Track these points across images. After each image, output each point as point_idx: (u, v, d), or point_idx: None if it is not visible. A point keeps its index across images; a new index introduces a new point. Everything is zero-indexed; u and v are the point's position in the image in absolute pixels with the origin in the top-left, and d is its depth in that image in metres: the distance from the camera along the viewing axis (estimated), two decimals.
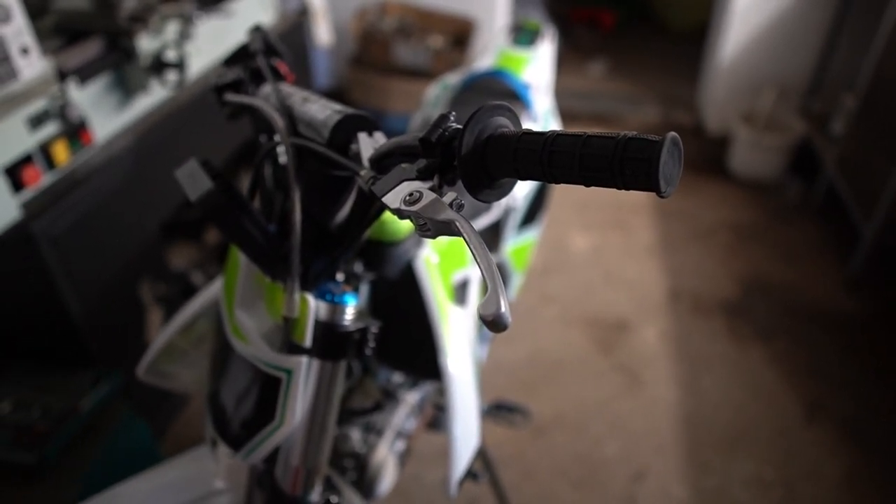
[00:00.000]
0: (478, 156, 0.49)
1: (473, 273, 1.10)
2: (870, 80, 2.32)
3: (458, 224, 0.46)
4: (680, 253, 2.55)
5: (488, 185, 0.51)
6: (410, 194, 0.49)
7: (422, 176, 0.51)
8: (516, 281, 1.49)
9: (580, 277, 2.42)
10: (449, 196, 0.48)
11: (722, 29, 3.08)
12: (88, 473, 1.28)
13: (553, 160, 0.46)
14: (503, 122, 0.51)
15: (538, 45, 1.65)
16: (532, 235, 1.53)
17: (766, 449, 1.78)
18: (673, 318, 2.23)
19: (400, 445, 1.14)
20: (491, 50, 1.67)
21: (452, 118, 0.51)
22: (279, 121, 0.65)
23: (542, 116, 1.50)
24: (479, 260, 0.44)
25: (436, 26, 3.11)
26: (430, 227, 0.47)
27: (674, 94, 3.74)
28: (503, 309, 0.41)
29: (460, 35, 3.08)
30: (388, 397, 1.15)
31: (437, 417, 1.27)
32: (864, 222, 2.26)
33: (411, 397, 1.18)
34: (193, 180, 0.65)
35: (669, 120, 3.50)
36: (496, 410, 1.41)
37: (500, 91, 1.44)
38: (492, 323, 0.41)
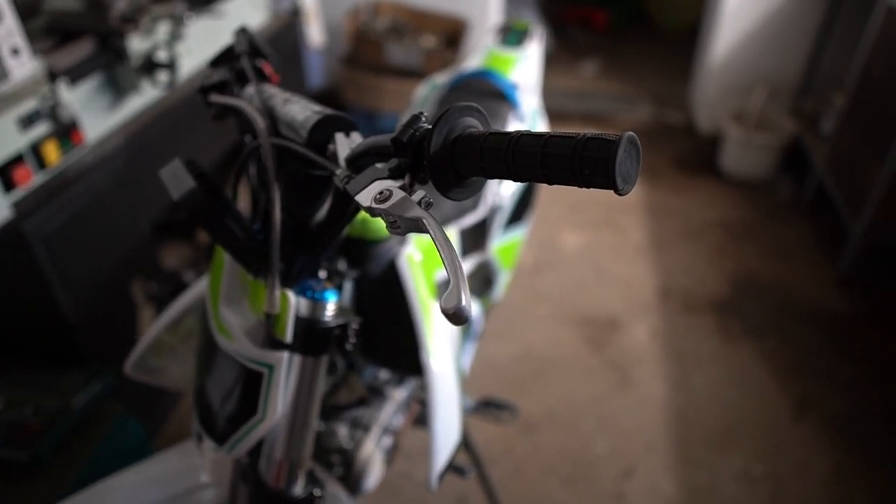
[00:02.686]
0: (446, 155, 0.51)
1: None
2: (858, 80, 2.34)
3: (424, 221, 0.47)
4: (671, 251, 2.57)
5: (457, 183, 0.52)
6: (381, 192, 0.50)
7: (393, 175, 0.52)
8: (504, 279, 1.51)
9: (571, 275, 2.43)
10: (418, 194, 0.50)
11: (713, 29, 3.10)
12: (81, 472, 1.28)
13: (517, 159, 0.47)
14: (472, 122, 0.52)
15: (526, 46, 1.66)
16: (519, 233, 1.55)
17: (754, 445, 1.80)
18: (663, 316, 2.24)
19: (387, 441, 1.15)
20: (479, 50, 1.68)
21: (424, 119, 0.53)
22: (260, 121, 0.67)
23: (529, 116, 1.51)
24: (442, 255, 0.45)
25: (428, 26, 3.12)
26: (400, 224, 0.49)
27: (666, 94, 3.76)
28: (464, 302, 0.42)
29: (452, 35, 3.10)
30: (375, 394, 1.16)
31: (424, 414, 1.29)
32: (852, 221, 2.28)
33: (398, 394, 1.19)
34: (177, 180, 0.66)
35: (661, 119, 3.52)
36: (484, 408, 1.43)
37: (488, 91, 1.46)
38: (453, 316, 0.42)
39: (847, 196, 2.36)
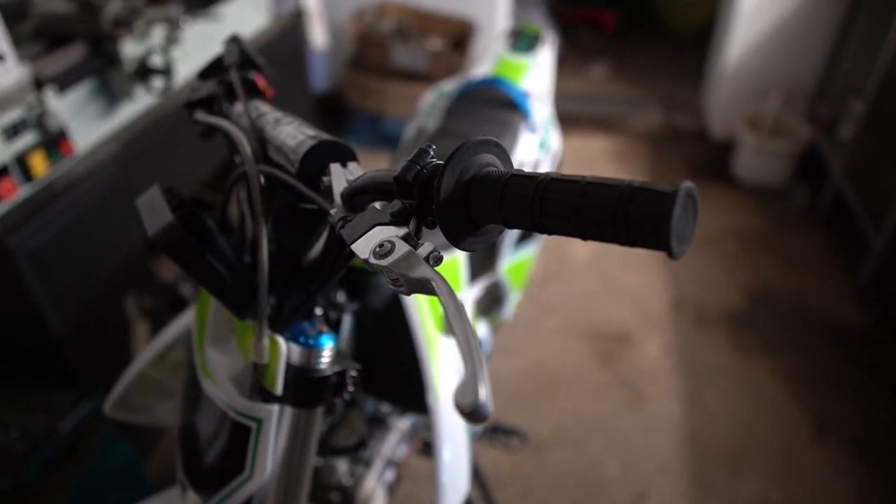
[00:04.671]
0: (459, 200, 0.43)
1: (467, 298, 1.04)
2: (879, 85, 2.25)
3: (434, 284, 0.39)
4: (683, 262, 2.49)
5: (471, 232, 0.45)
6: (381, 245, 0.43)
7: (396, 220, 0.45)
8: (514, 298, 1.44)
9: (581, 287, 2.36)
10: (425, 248, 0.42)
11: (727, 31, 3.02)
12: (70, 496, 1.23)
13: (545, 209, 0.40)
14: (489, 159, 0.45)
15: (538, 51, 1.59)
16: (531, 251, 1.48)
17: (771, 467, 1.72)
18: (676, 329, 2.17)
19: (390, 475, 1.08)
20: (489, 56, 1.61)
21: (432, 153, 0.45)
22: (246, 147, 0.60)
23: (541, 126, 1.44)
24: (455, 330, 0.37)
25: (434, 28, 3.05)
26: (403, 283, 0.42)
27: (677, 98, 3.68)
28: (482, 398, 0.33)
29: (459, 37, 3.02)
30: (377, 424, 1.09)
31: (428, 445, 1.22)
32: (873, 232, 2.19)
33: (402, 424, 1.12)
34: (153, 211, 0.59)
35: (672, 124, 3.44)
36: (492, 433, 1.36)
37: (498, 100, 1.38)
38: (469, 415, 0.34)
39: (867, 206, 2.28)
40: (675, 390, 1.95)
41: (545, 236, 2.49)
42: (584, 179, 0.39)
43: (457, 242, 0.44)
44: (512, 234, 1.34)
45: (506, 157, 0.46)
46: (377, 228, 0.45)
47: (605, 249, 2.55)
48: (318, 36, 2.54)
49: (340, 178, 0.53)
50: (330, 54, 3.16)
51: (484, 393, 0.34)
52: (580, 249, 2.55)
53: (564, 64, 4.05)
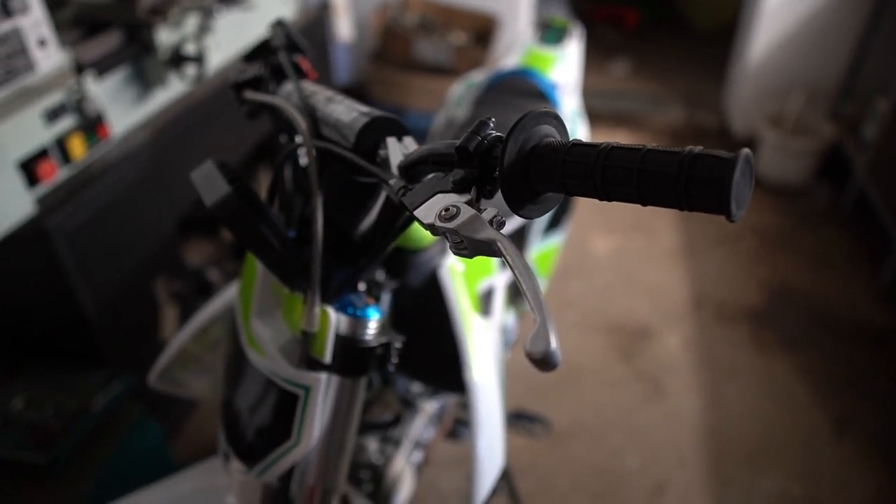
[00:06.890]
0: (521, 168, 0.45)
1: (499, 282, 1.05)
2: None
3: (500, 244, 0.41)
4: (703, 258, 2.49)
5: (531, 199, 0.46)
6: (447, 209, 0.45)
7: (457, 188, 0.47)
8: (541, 287, 1.45)
9: (601, 281, 2.37)
10: (489, 212, 0.44)
11: (750, 28, 3.01)
12: (100, 474, 1.26)
13: (607, 176, 0.42)
14: (549, 130, 0.47)
15: (566, 44, 1.60)
16: (557, 240, 1.49)
17: (791, 464, 1.72)
18: (696, 325, 2.17)
19: (417, 456, 1.10)
20: (517, 48, 1.62)
21: (492, 125, 0.47)
22: (301, 122, 0.61)
23: (569, 118, 1.45)
24: (524, 286, 0.39)
25: (458, 23, 3.06)
26: (468, 245, 0.43)
27: (699, 95, 3.67)
28: (553, 346, 0.36)
29: (482, 32, 3.03)
30: (407, 406, 1.11)
31: (456, 428, 1.23)
32: None
33: (430, 406, 1.14)
34: (209, 183, 0.61)
35: (694, 122, 3.44)
36: (516, 420, 1.37)
37: (527, 91, 1.40)
38: (540, 362, 0.36)
39: (890, 206, 2.26)
40: (694, 385, 1.95)
41: (571, 225, 2.50)
42: (645, 147, 0.41)
43: (517, 209, 0.46)
44: (540, 222, 1.35)
45: (563, 130, 0.48)
46: (438, 196, 0.47)
47: (625, 245, 2.56)
48: (343, 29, 2.56)
49: (396, 151, 0.55)
50: (353, 47, 3.18)
51: (554, 341, 0.36)
52: (600, 244, 2.56)
53: (585, 60, 4.05)
